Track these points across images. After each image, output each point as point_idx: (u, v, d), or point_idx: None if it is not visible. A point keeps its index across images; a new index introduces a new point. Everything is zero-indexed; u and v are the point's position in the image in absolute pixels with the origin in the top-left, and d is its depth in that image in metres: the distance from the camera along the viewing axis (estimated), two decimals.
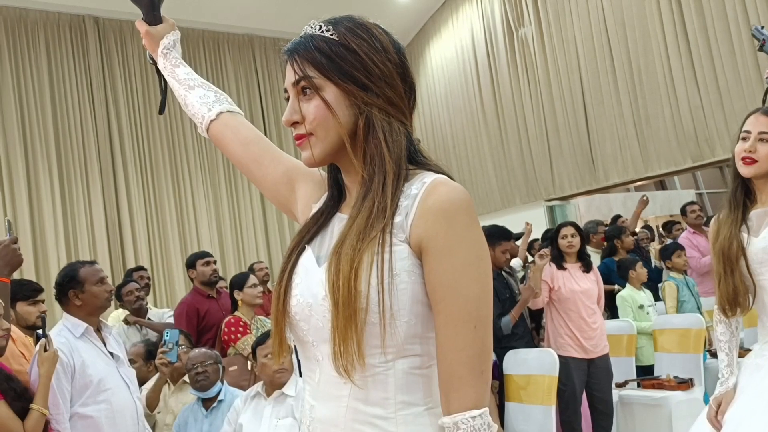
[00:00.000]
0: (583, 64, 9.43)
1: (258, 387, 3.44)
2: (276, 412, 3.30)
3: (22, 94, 8.75)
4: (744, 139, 2.34)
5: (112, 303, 3.33)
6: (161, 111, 1.71)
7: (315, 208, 1.28)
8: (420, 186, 1.10)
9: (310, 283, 1.13)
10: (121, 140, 9.47)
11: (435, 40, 11.80)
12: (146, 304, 5.45)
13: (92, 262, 3.18)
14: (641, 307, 5.24)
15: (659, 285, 5.79)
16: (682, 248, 5.67)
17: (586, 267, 4.59)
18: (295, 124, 1.18)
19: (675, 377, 4.56)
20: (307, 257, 1.18)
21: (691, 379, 4.53)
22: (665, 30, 8.45)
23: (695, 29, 8.13)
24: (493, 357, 4.40)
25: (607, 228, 6.62)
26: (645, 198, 7.21)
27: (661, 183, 12.57)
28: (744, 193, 2.38)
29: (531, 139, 10.22)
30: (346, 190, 1.26)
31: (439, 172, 1.16)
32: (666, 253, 5.64)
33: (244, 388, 3.75)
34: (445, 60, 11.62)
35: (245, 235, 10.49)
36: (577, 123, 9.58)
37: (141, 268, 5.89)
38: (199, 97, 1.47)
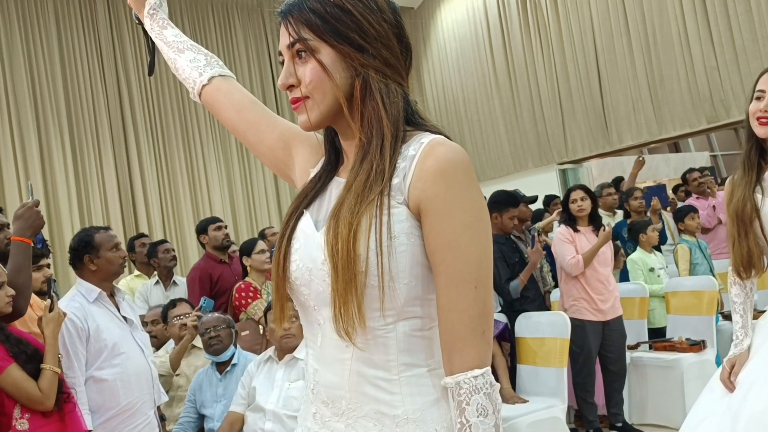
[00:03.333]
0: (597, 25, 9.28)
1: (270, 351, 3.48)
2: (287, 375, 3.34)
3: (32, 63, 8.73)
4: (759, 98, 2.28)
5: (126, 268, 3.35)
6: (150, 72, 1.66)
7: (313, 173, 1.27)
8: (417, 147, 1.09)
9: (310, 247, 1.13)
10: (132, 107, 9.46)
11: (446, 3, 11.63)
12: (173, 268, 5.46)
13: (106, 228, 3.20)
14: (652, 270, 5.23)
15: (662, 247, 5.77)
16: (695, 211, 5.63)
17: (598, 230, 4.57)
18: (291, 87, 1.16)
19: (687, 339, 4.56)
20: (306, 222, 1.17)
21: (703, 341, 4.53)
22: None
23: None
24: (505, 320, 4.45)
25: (611, 190, 6.57)
26: (641, 158, 7.11)
27: (675, 145, 12.43)
28: (759, 154, 2.33)
29: (543, 102, 10.12)
30: (344, 153, 1.24)
31: (437, 133, 1.14)
32: (679, 216, 5.61)
33: (257, 353, 3.78)
34: (456, 22, 11.46)
35: (257, 200, 10.51)
36: (590, 85, 9.46)
37: (164, 242, 5.84)
38: (189, 61, 1.43)
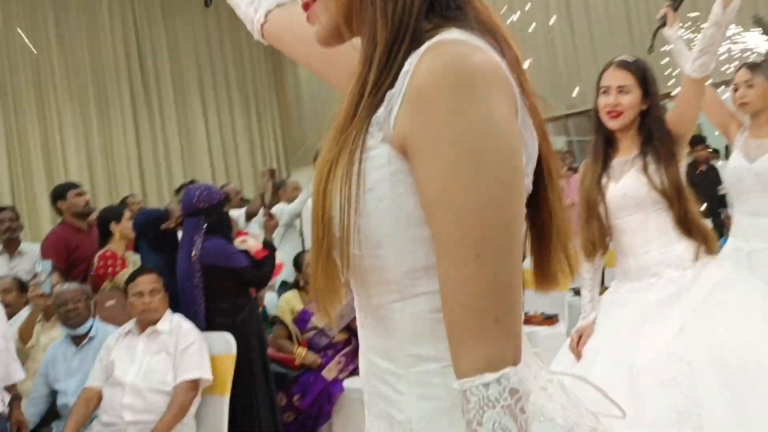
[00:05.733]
0: None
1: (131, 324, 3.36)
2: (149, 348, 3.24)
3: None
4: (605, 93, 2.41)
5: None
6: (207, 4, 1.50)
7: None
8: (414, 57, 0.79)
9: None
10: None
11: None
12: (19, 237, 5.08)
13: None
14: None
15: None
16: None
17: None
18: None
19: (542, 313, 4.81)
20: None
21: (556, 315, 4.80)
22: None
23: None
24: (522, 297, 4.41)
25: None
26: None
27: None
28: (605, 144, 2.48)
29: None
30: None
31: (472, 28, 0.82)
32: None
33: (123, 322, 3.63)
34: None
35: (117, 165, 10.03)
36: None
37: (2, 209, 5.38)
38: None
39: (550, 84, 8.78)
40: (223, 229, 3.61)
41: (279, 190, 5.79)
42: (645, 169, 2.37)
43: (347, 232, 0.80)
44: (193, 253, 3.44)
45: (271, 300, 4.67)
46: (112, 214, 4.43)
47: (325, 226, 0.81)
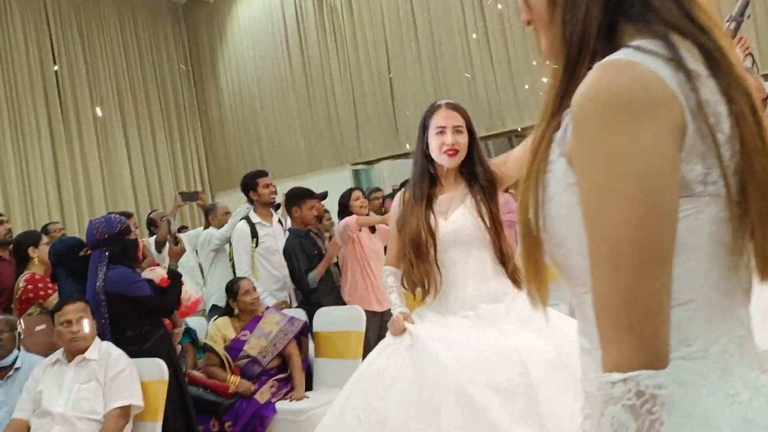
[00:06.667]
0: (389, 33, 9.75)
1: (59, 354, 3.32)
2: (78, 376, 3.21)
3: None
4: (441, 133, 2.48)
5: None
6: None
7: None
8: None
9: None
10: None
11: None
12: None
13: None
14: None
15: None
16: None
17: (372, 229, 4.87)
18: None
19: None
20: None
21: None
22: (464, 6, 8.97)
23: (492, 9, 8.72)
24: (305, 317, 4.57)
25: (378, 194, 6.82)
26: None
27: None
28: (429, 185, 2.55)
29: (338, 103, 10.41)
30: None
31: (664, 35, 0.85)
32: None
33: (54, 348, 3.56)
34: (253, 19, 11.42)
35: (35, 193, 9.74)
36: (382, 89, 9.91)
37: None
38: None
39: (470, 106, 9.04)
40: (127, 258, 3.61)
41: (209, 216, 5.77)
42: (475, 206, 2.49)
43: (538, 232, 0.92)
44: (98, 282, 3.44)
45: (201, 325, 4.65)
46: (30, 238, 4.36)
47: (525, 221, 0.93)
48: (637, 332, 0.78)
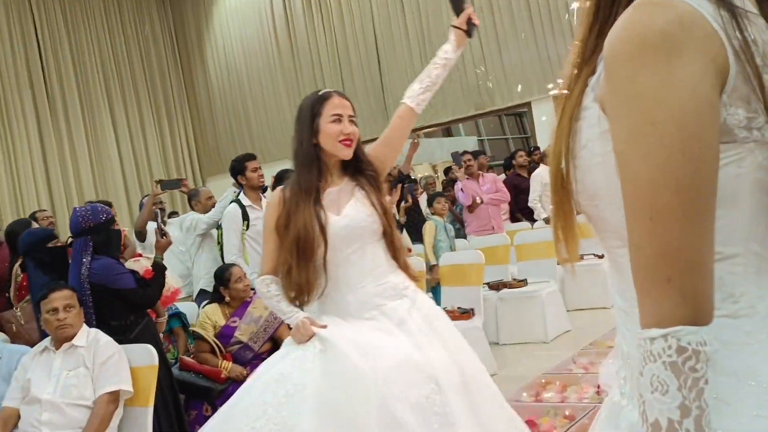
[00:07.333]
0: (376, 11, 9.68)
1: (46, 342, 3.30)
2: (66, 363, 3.20)
3: None
4: (338, 121, 2.31)
5: None
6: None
7: None
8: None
9: None
10: None
11: None
12: None
13: None
14: None
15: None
16: (442, 195, 6.23)
17: None
18: None
19: (458, 308, 4.97)
20: None
21: (472, 309, 4.96)
22: None
23: None
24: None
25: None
26: (416, 141, 7.49)
27: (447, 130, 13.31)
28: (318, 176, 2.35)
29: (327, 83, 10.35)
30: None
31: None
32: (429, 201, 6.18)
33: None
34: (239, 3, 11.33)
35: (23, 182, 9.68)
36: (371, 68, 9.86)
37: None
38: None
39: (460, 84, 9.01)
40: (111, 248, 3.59)
41: (192, 201, 5.72)
42: (367, 197, 2.35)
43: (569, 182, 0.87)
44: (82, 272, 3.42)
45: (191, 310, 4.63)
46: (21, 227, 4.32)
47: (556, 172, 0.88)
48: (676, 285, 0.73)
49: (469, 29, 2.51)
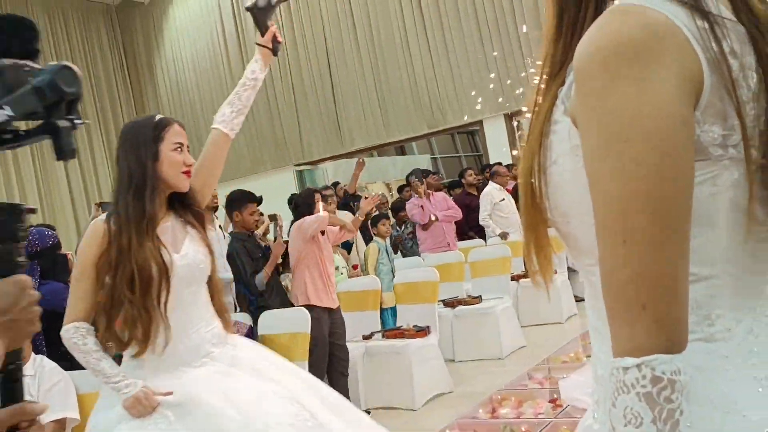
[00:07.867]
0: (328, 32, 9.71)
1: None
2: None
3: None
4: (179, 150, 2.13)
5: None
6: None
7: None
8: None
9: None
10: None
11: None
12: None
13: None
14: (336, 268, 5.56)
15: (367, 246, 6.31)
16: (387, 217, 6.27)
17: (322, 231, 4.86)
18: None
19: (414, 326, 4.96)
20: None
21: (427, 327, 4.97)
22: (402, 5, 8.99)
23: (429, 6, 8.77)
24: (249, 321, 4.51)
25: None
26: (361, 160, 7.60)
27: (401, 148, 13.38)
28: (157, 206, 2.11)
29: (279, 104, 10.33)
30: None
31: None
32: (374, 222, 6.19)
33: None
34: (190, 20, 11.25)
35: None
36: (324, 88, 9.87)
37: None
38: None
39: (413, 103, 9.08)
40: (57, 272, 3.53)
41: None
42: (199, 235, 2.20)
43: (541, 199, 0.83)
44: None
45: None
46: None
47: (526, 188, 0.84)
48: (651, 312, 0.69)
49: (274, 47, 2.49)
